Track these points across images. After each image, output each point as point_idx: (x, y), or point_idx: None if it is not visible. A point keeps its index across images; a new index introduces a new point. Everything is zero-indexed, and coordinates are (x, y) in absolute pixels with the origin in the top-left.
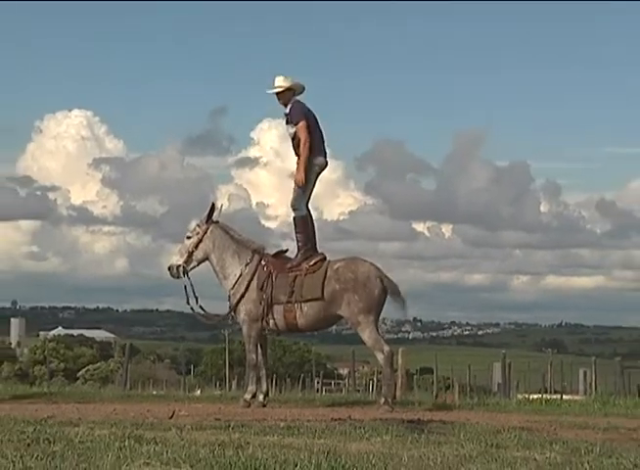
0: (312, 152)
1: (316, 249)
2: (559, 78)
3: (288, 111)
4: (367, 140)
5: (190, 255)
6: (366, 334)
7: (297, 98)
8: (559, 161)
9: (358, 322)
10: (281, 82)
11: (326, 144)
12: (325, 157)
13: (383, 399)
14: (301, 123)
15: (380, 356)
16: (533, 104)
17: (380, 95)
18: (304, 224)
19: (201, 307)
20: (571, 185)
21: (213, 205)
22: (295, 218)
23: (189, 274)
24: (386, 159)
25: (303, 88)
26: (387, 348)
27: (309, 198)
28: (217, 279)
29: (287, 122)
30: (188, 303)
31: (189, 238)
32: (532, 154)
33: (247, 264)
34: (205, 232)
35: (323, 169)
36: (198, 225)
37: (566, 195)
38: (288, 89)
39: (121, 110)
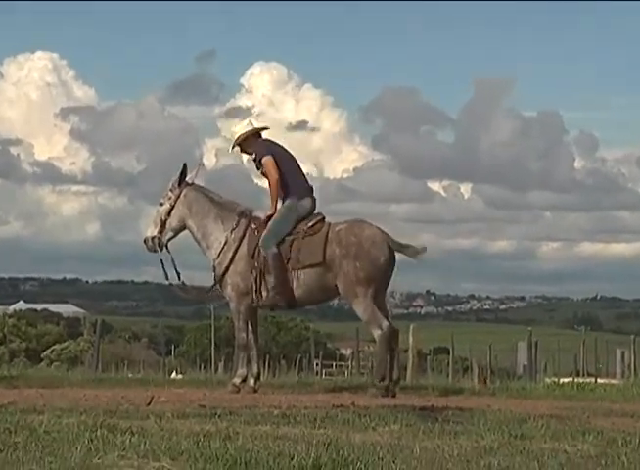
0: (294, 194)
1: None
2: (595, 18)
3: (254, 156)
4: (374, 87)
5: (163, 224)
6: (361, 308)
7: (263, 138)
8: (595, 110)
9: (355, 294)
10: (237, 136)
11: (308, 178)
12: (312, 196)
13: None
14: (265, 158)
15: (376, 332)
16: (566, 46)
17: (389, 35)
18: (280, 261)
19: (183, 283)
20: (610, 138)
21: (185, 165)
22: (265, 258)
23: (168, 246)
24: (396, 108)
25: (262, 128)
26: (385, 323)
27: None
28: (200, 248)
29: (257, 168)
30: (167, 278)
31: (162, 205)
32: (565, 102)
33: (232, 230)
34: (178, 197)
35: (310, 214)
36: (170, 190)
37: (603, 149)
38: (245, 139)
39: (92, 51)
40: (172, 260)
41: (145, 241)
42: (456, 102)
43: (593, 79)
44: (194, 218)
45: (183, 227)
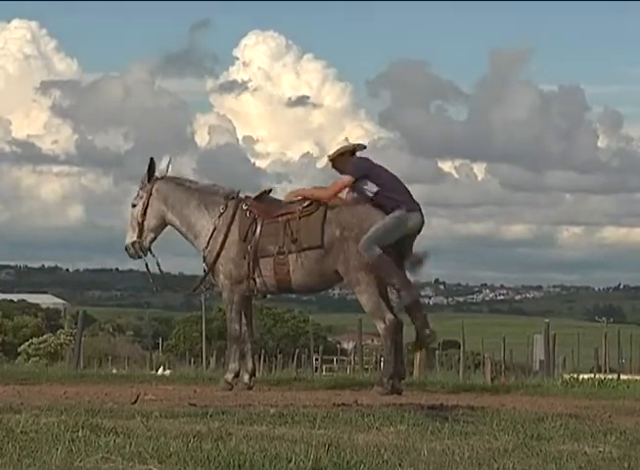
0: (403, 206)
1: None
2: None
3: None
4: (382, 59)
5: (141, 226)
6: (365, 297)
7: (359, 156)
8: (620, 84)
9: (358, 281)
10: (331, 152)
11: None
12: (421, 212)
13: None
14: (346, 178)
15: (380, 326)
16: (587, 14)
17: (398, 5)
18: (387, 259)
19: (170, 287)
20: (636, 114)
21: (152, 160)
22: (371, 263)
23: (151, 249)
24: (405, 82)
25: (362, 146)
26: (389, 316)
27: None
28: (187, 241)
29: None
30: (153, 282)
31: (134, 206)
32: (587, 76)
33: (220, 215)
34: (151, 193)
35: (418, 231)
36: (140, 188)
37: (628, 127)
38: (340, 155)
39: (75, 20)
40: (158, 264)
41: (126, 249)
42: (469, 75)
43: (618, 52)
44: (173, 211)
45: (163, 224)
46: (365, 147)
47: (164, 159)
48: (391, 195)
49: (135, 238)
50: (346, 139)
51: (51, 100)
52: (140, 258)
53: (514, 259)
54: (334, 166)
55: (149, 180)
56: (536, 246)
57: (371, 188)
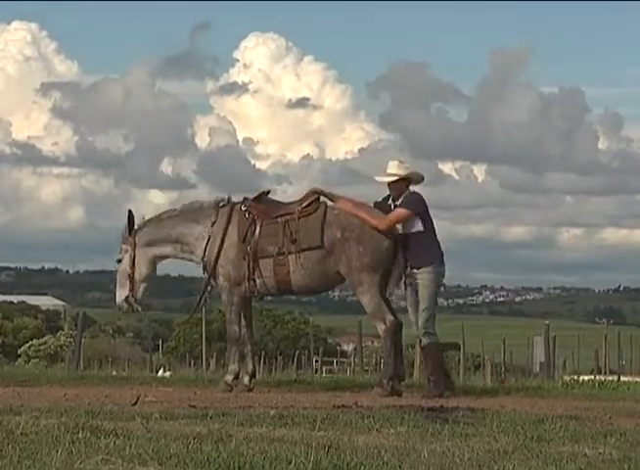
0: (435, 261)
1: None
2: None
3: (399, 202)
4: (382, 61)
5: (132, 279)
6: (367, 298)
7: (415, 189)
8: (620, 86)
9: (360, 282)
10: (394, 169)
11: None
12: (444, 263)
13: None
14: (404, 212)
15: (380, 327)
16: (587, 14)
17: (398, 2)
18: (437, 352)
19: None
20: (636, 116)
21: (130, 212)
22: (425, 346)
23: (141, 304)
24: (405, 84)
25: (422, 178)
26: (390, 317)
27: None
28: (186, 260)
29: (390, 206)
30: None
31: (120, 262)
32: (587, 78)
33: (213, 224)
34: (134, 243)
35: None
36: (122, 243)
37: (629, 128)
38: (402, 179)
39: (75, 22)
40: (147, 319)
41: (120, 308)
42: (470, 77)
43: (618, 54)
44: (161, 244)
45: (154, 269)
46: (423, 179)
47: (165, 160)
48: (428, 241)
49: (127, 293)
50: (408, 168)
51: (51, 101)
52: (135, 311)
53: (514, 261)
54: (389, 186)
55: (129, 233)
56: (536, 247)
57: (417, 226)
